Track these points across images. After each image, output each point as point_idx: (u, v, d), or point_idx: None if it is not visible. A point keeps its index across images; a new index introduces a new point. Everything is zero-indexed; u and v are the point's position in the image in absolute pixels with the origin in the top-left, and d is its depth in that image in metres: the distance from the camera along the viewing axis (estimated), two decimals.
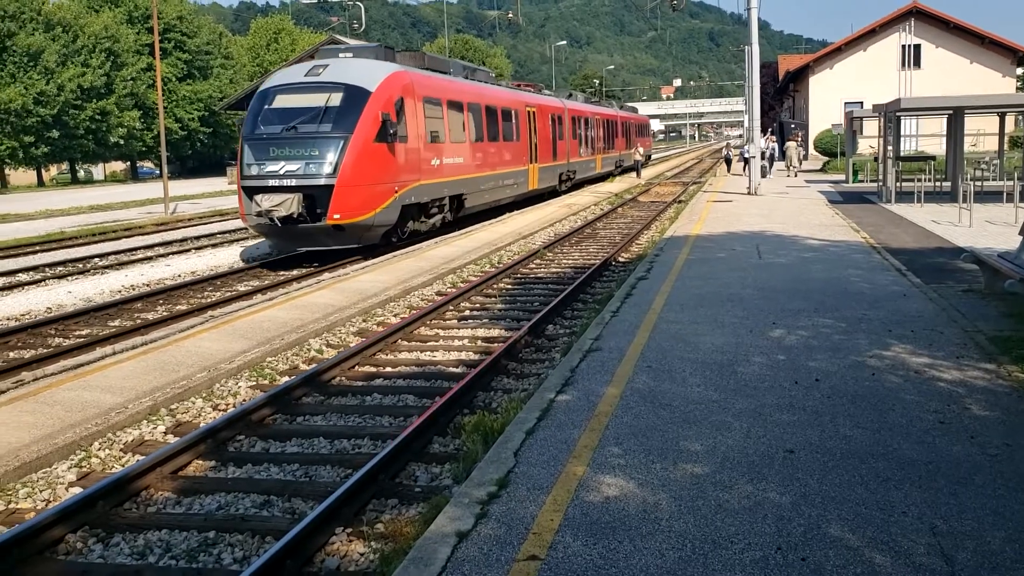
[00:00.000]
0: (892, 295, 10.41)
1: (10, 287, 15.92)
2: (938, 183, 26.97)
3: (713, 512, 4.65)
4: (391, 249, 17.90)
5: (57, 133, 58.67)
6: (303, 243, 17.16)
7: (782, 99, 67.64)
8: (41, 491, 6.42)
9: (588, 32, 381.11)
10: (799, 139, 44.76)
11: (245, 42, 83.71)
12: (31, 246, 22.14)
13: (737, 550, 4.23)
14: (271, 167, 16.23)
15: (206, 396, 8.63)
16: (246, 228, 20.18)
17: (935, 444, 5.53)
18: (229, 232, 24.64)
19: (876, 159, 30.50)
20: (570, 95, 39.27)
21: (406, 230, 18.75)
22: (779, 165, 39.78)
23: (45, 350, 10.77)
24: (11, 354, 10.76)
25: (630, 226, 23.18)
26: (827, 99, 47.85)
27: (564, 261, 17.28)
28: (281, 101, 17.20)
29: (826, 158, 44.33)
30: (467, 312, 12.48)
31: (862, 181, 31.65)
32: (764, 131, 41.39)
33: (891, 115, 25.12)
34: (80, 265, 18.71)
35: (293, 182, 16.05)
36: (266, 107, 17.17)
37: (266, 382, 9.14)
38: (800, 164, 42.20)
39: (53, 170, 75.05)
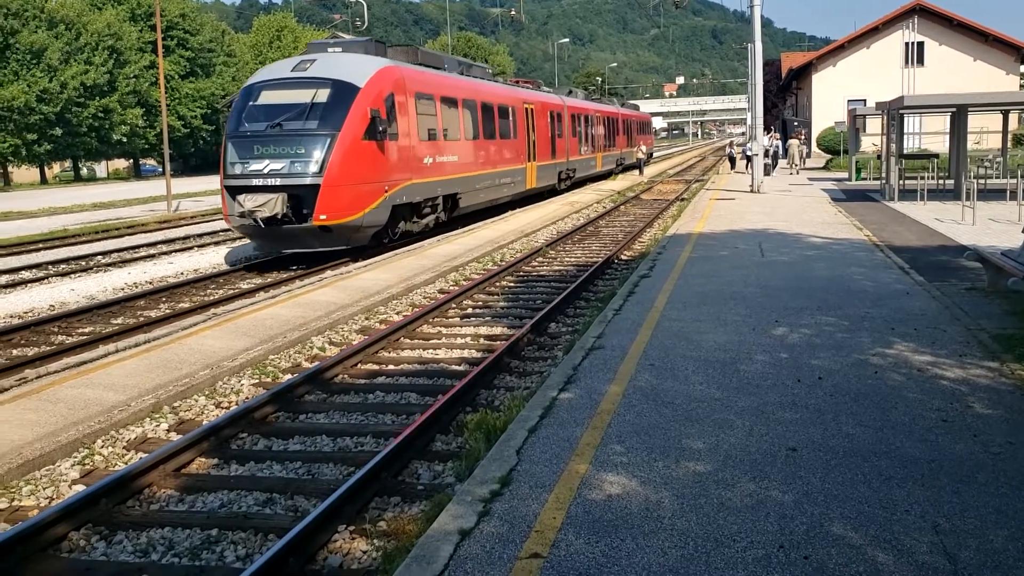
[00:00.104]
0: (895, 293, 10.40)
1: (13, 285, 15.94)
2: (941, 181, 26.93)
3: (715, 510, 4.65)
4: (383, 251, 17.42)
5: (60, 131, 58.68)
6: (288, 245, 16.54)
7: (785, 97, 67.52)
8: (44, 488, 6.43)
9: (591, 30, 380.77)
10: (802, 137, 44.70)
11: (248, 40, 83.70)
12: (34, 244, 22.18)
13: (739, 548, 4.23)
14: (255, 166, 15.64)
15: (209, 394, 8.63)
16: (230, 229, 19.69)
17: (938, 442, 5.52)
18: (231, 230, 24.61)
19: (879, 157, 30.48)
20: (570, 92, 38.86)
21: (397, 231, 18.26)
22: (782, 163, 39.73)
23: (48, 348, 10.79)
24: (14, 352, 10.78)
25: (633, 224, 23.17)
26: (830, 97, 47.73)
27: (566, 259, 17.28)
28: (266, 97, 16.58)
29: (829, 156, 44.25)
30: (469, 310, 12.48)
31: (865, 179, 31.62)
32: (767, 129, 41.34)
33: (894, 113, 25.08)
34: (83, 263, 18.72)
35: (278, 181, 15.46)
36: (251, 104, 16.57)
37: (269, 380, 9.15)
38: (803, 162, 42.17)
39: (56, 168, 75.08)
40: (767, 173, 34.77)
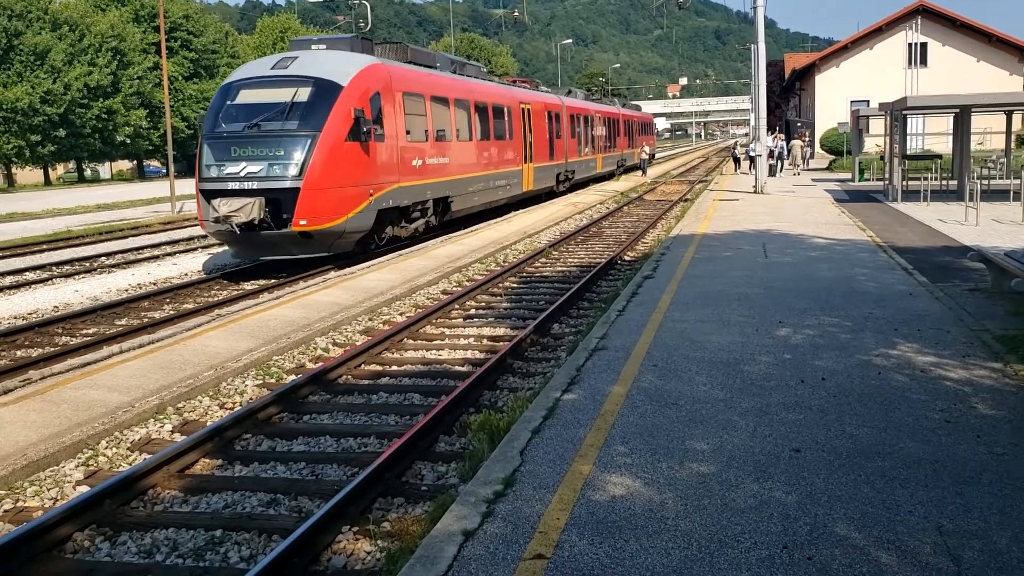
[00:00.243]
0: (898, 294, 10.39)
1: (17, 286, 15.97)
2: (944, 182, 26.90)
3: (719, 511, 4.65)
4: (368, 258, 16.78)
5: (64, 132, 58.80)
6: (267, 252, 15.71)
7: (788, 97, 67.47)
8: (48, 489, 6.44)
9: (594, 31, 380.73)
10: (806, 138, 44.68)
11: (251, 41, 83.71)
12: (38, 245, 22.21)
13: (743, 549, 4.24)
14: (231, 168, 14.90)
15: (213, 395, 8.64)
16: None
17: (941, 443, 5.52)
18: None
19: (882, 158, 30.45)
20: (569, 92, 38.26)
21: (384, 236, 17.55)
22: (786, 163, 39.71)
23: (52, 349, 10.81)
24: (18, 353, 10.80)
25: (636, 225, 23.17)
26: (833, 98, 47.73)
27: (570, 260, 17.28)
28: (244, 96, 15.82)
29: (832, 157, 44.24)
30: (473, 311, 12.49)
31: (868, 180, 31.59)
32: (771, 129, 41.30)
33: (897, 114, 25.06)
34: (87, 264, 18.76)
35: (254, 185, 14.72)
36: (228, 103, 15.82)
37: (273, 381, 9.16)
38: (806, 163, 42.14)
39: (60, 169, 75.29)
40: (773, 174, 34.78)
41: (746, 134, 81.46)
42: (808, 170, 40.71)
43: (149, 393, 8.27)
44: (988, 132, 35.09)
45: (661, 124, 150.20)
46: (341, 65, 16.30)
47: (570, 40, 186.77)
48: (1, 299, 14.50)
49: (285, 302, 12.16)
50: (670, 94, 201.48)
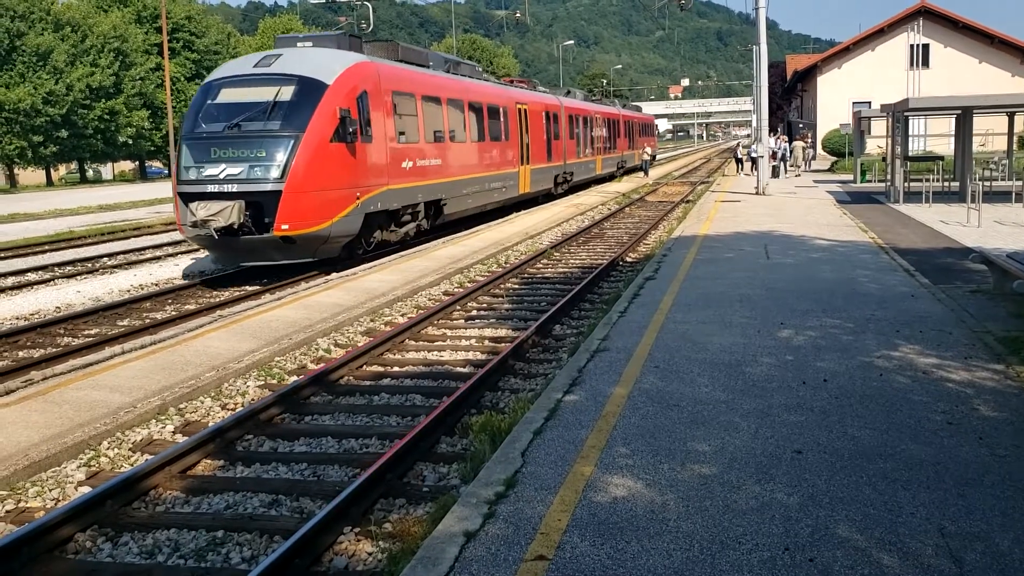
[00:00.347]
0: (900, 295, 10.39)
1: (19, 286, 15.99)
2: (946, 183, 26.89)
3: (721, 513, 4.65)
4: (355, 263, 16.15)
5: (66, 133, 58.90)
6: (248, 258, 15.09)
7: (790, 99, 67.49)
8: (50, 490, 6.44)
9: (596, 32, 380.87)
10: (808, 139, 44.65)
11: (254, 42, 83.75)
12: (40, 245, 22.24)
13: (745, 551, 4.23)
14: (210, 171, 14.34)
15: (215, 395, 8.65)
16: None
17: (943, 445, 5.52)
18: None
19: (884, 159, 30.43)
20: (568, 92, 37.77)
21: (372, 241, 16.99)
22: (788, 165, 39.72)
23: (54, 349, 10.82)
24: (20, 353, 10.81)
25: (638, 226, 23.17)
26: (835, 99, 47.73)
27: (571, 261, 17.28)
28: (225, 95, 15.26)
29: (834, 158, 44.23)
30: (474, 312, 12.49)
31: (870, 181, 31.57)
32: (773, 131, 41.30)
33: (899, 115, 25.05)
34: (89, 264, 18.78)
35: (234, 187, 14.17)
36: (208, 102, 15.27)
37: (274, 381, 9.17)
38: (808, 164, 42.14)
39: (62, 169, 75.34)
40: (776, 175, 34.77)
41: (748, 135, 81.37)
42: (810, 171, 40.70)
43: (151, 394, 8.28)
44: (990, 134, 35.12)
45: (663, 125, 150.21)
46: (327, 63, 15.79)
47: (572, 41, 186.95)
48: (3, 300, 14.51)
49: (287, 303, 12.17)
50: (672, 95, 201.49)
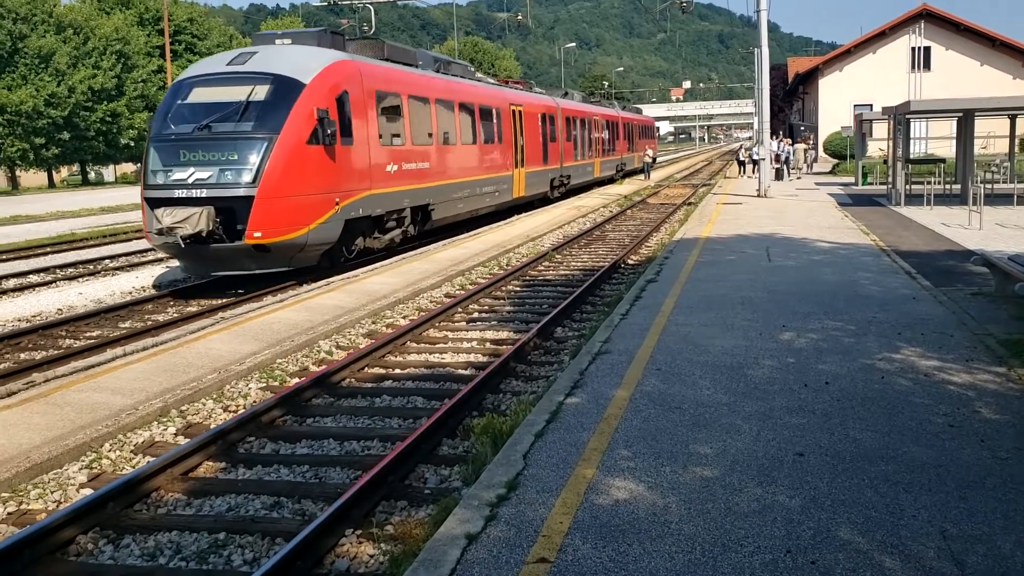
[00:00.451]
0: (902, 298, 10.39)
1: (21, 288, 16.00)
2: (948, 186, 26.90)
3: (723, 515, 4.65)
4: (335, 272, 15.50)
5: (68, 135, 58.96)
6: (218, 267, 14.24)
7: (791, 101, 67.51)
8: (52, 492, 6.45)
9: (597, 34, 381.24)
10: (810, 142, 44.67)
11: None
12: (42, 247, 22.26)
13: (746, 553, 4.23)
14: (178, 175, 13.55)
15: (216, 397, 8.66)
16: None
17: (945, 447, 5.51)
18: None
19: (885, 162, 30.44)
20: (566, 94, 37.04)
21: (354, 248, 16.23)
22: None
23: (56, 351, 10.82)
24: (22, 355, 10.82)
25: (639, 228, 23.17)
26: (836, 101, 47.73)
27: (573, 263, 17.28)
28: (196, 95, 14.51)
29: (836, 160, 44.23)
30: (476, 314, 12.49)
31: (871, 184, 31.59)
32: (775, 133, 41.29)
33: (901, 117, 25.06)
34: (91, 266, 18.80)
35: (203, 193, 13.37)
36: (178, 102, 14.49)
37: (276, 383, 9.17)
38: (809, 167, 42.14)
39: (64, 172, 75.45)
40: (780, 178, 34.77)
41: (749, 137, 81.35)
42: (811, 174, 40.70)
43: (153, 396, 8.28)
44: (991, 136, 35.10)
45: (664, 127, 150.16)
46: (304, 61, 15.00)
47: (573, 44, 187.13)
48: (5, 301, 14.53)
49: (288, 305, 12.18)
50: (673, 97, 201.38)
